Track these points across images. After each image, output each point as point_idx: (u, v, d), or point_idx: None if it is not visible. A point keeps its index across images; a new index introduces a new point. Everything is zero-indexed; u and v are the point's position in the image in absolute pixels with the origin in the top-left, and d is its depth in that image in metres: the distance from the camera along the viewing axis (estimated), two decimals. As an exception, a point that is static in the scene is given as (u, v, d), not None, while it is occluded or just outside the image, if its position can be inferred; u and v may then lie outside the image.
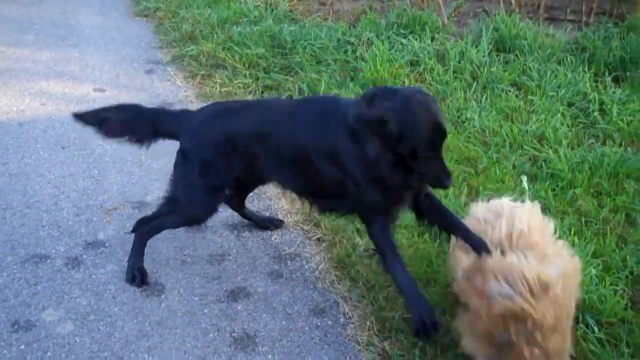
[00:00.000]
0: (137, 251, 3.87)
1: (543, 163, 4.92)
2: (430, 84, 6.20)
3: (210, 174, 3.63)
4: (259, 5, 8.06)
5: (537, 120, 5.50)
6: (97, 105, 5.79)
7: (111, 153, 5.17)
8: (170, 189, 3.77)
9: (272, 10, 7.95)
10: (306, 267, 4.03)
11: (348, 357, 3.38)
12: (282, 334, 3.51)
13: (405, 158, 3.09)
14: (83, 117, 3.81)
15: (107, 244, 4.11)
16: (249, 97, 6.08)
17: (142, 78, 6.77)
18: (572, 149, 5.12)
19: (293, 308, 3.70)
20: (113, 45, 7.73)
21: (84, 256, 3.99)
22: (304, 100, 3.91)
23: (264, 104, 4.03)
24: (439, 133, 3.05)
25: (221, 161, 3.62)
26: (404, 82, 6.14)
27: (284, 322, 3.59)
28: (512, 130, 5.34)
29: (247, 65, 6.65)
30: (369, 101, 3.12)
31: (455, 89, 6.07)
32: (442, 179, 3.13)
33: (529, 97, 5.91)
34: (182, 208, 3.74)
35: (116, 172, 4.93)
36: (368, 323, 3.56)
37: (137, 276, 3.80)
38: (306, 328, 3.56)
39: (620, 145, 5.19)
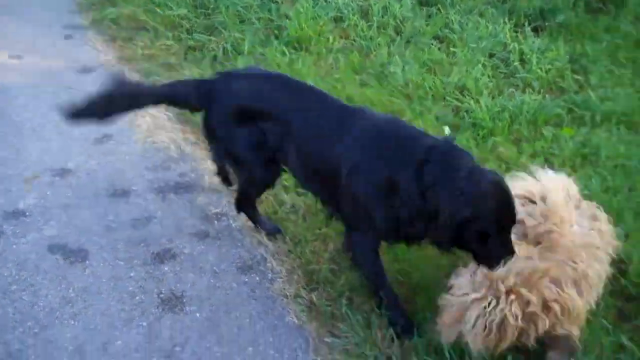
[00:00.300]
0: (257, 222, 3.95)
1: (465, 113, 4.99)
2: (354, 40, 6.21)
3: (251, 141, 3.48)
4: (180, -35, 7.88)
5: (459, 71, 5.56)
6: (15, 73, 5.72)
7: (30, 121, 5.04)
8: (230, 160, 3.72)
9: (194, -30, 7.80)
10: (233, 225, 4.03)
11: (276, 310, 3.42)
12: (209, 292, 3.52)
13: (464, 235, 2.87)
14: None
15: (27, 213, 4.02)
16: (172, 59, 6.00)
17: (60, 43, 6.58)
18: (493, 98, 5.21)
19: (220, 266, 3.70)
20: (29, 10, 7.47)
21: (4, 226, 3.90)
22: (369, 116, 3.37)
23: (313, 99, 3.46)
24: (512, 220, 2.90)
25: (253, 135, 3.46)
26: (328, 38, 6.13)
27: (211, 281, 3.60)
28: (434, 82, 5.40)
29: (169, 26, 6.53)
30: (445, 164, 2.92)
31: (379, 44, 6.09)
32: (497, 259, 2.84)
33: (451, 49, 5.97)
34: (247, 176, 3.69)
35: (35, 140, 4.81)
36: (295, 276, 3.61)
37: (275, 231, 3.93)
38: (234, 285, 3.58)
39: (539, 92, 5.31)
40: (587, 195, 3.94)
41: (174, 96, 3.70)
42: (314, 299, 3.44)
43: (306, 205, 4.08)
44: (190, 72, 5.62)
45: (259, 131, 3.41)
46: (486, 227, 2.82)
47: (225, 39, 6.14)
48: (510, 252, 2.83)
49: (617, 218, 3.78)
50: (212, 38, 6.22)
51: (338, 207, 3.37)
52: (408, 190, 2.94)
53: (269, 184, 3.75)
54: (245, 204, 3.88)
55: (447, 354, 2.95)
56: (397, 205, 3.00)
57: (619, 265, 3.45)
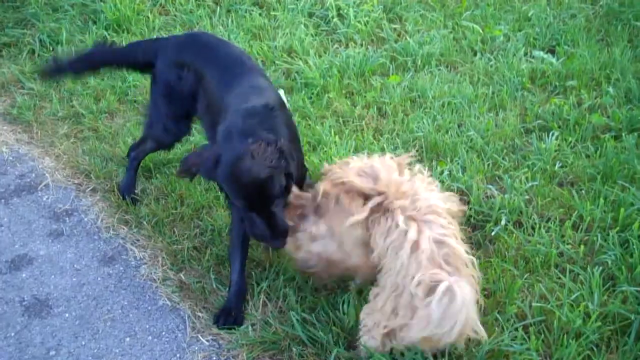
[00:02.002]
0: (128, 174, 4.07)
1: (296, 74, 5.11)
2: (175, 16, 6.14)
3: (172, 98, 3.68)
4: (-25, -42, 7.39)
5: (284, 34, 5.67)
6: None
7: None
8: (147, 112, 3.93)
9: (-9, -39, 7.35)
10: (86, 220, 3.96)
11: (147, 295, 3.43)
12: (75, 290, 3.46)
13: None
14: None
15: None
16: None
17: None
18: (320, 56, 5.36)
19: (81, 263, 3.64)
20: None
21: None
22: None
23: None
24: None
25: (179, 87, 3.63)
26: (147, 17, 6.03)
27: (74, 279, 3.54)
28: (262, 48, 5.47)
29: (-25, 25, 6.16)
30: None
31: (200, 16, 6.06)
32: None
33: (272, 13, 6.05)
34: (152, 131, 3.87)
35: None
36: (160, 259, 3.62)
37: (127, 197, 4.01)
38: (99, 279, 3.54)
39: (362, 45, 5.52)
40: (422, 137, 4.25)
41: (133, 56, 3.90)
42: (183, 278, 3.48)
43: (156, 188, 4.07)
44: (8, 69, 5.37)
45: (180, 84, 3.62)
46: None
47: (41, 30, 5.87)
48: None
49: (452, 153, 4.09)
50: (27, 31, 5.93)
51: None
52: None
53: (170, 141, 3.92)
54: (136, 150, 4.05)
55: (322, 315, 3.11)
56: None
57: (462, 197, 3.74)
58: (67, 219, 3.96)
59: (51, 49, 5.68)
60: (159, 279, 3.51)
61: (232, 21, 5.95)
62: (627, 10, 5.66)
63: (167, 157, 4.27)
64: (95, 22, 6.01)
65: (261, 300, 3.27)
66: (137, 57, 3.84)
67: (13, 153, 4.51)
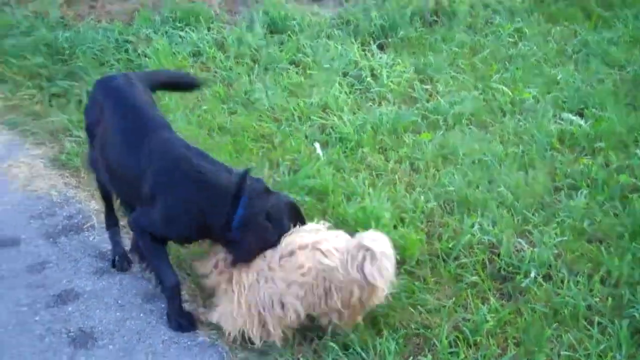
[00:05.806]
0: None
1: (331, 129, 5.32)
2: (215, 72, 6.41)
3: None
4: (28, 15, 7.73)
5: (319, 92, 5.89)
6: None
7: None
8: None
9: (43, 18, 7.68)
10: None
11: (187, 332, 3.56)
12: (118, 325, 3.61)
13: None
14: None
15: None
16: (37, 108, 5.94)
17: None
18: (354, 113, 5.59)
19: (125, 299, 3.80)
20: None
21: None
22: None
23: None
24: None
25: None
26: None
27: (118, 314, 3.69)
28: (298, 104, 5.70)
29: (27, 76, 6.44)
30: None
31: (239, 73, 6.33)
32: None
33: (308, 72, 6.30)
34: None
35: None
36: (199, 297, 3.77)
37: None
38: (141, 315, 3.69)
39: (394, 104, 5.74)
40: (452, 191, 4.40)
41: None
42: (222, 316, 3.60)
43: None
44: (58, 117, 5.64)
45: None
46: None
47: (88, 82, 6.14)
48: None
49: (483, 207, 4.23)
50: (75, 83, 6.21)
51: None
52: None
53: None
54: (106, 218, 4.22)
55: (358, 348, 3.23)
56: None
57: (492, 249, 3.88)
58: (112, 257, 4.14)
59: (98, 99, 5.95)
60: (199, 316, 3.64)
61: (269, 78, 6.20)
62: (653, 76, 5.85)
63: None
64: (140, 76, 6.29)
65: (297, 338, 3.39)
66: None
67: (61, 196, 4.73)
